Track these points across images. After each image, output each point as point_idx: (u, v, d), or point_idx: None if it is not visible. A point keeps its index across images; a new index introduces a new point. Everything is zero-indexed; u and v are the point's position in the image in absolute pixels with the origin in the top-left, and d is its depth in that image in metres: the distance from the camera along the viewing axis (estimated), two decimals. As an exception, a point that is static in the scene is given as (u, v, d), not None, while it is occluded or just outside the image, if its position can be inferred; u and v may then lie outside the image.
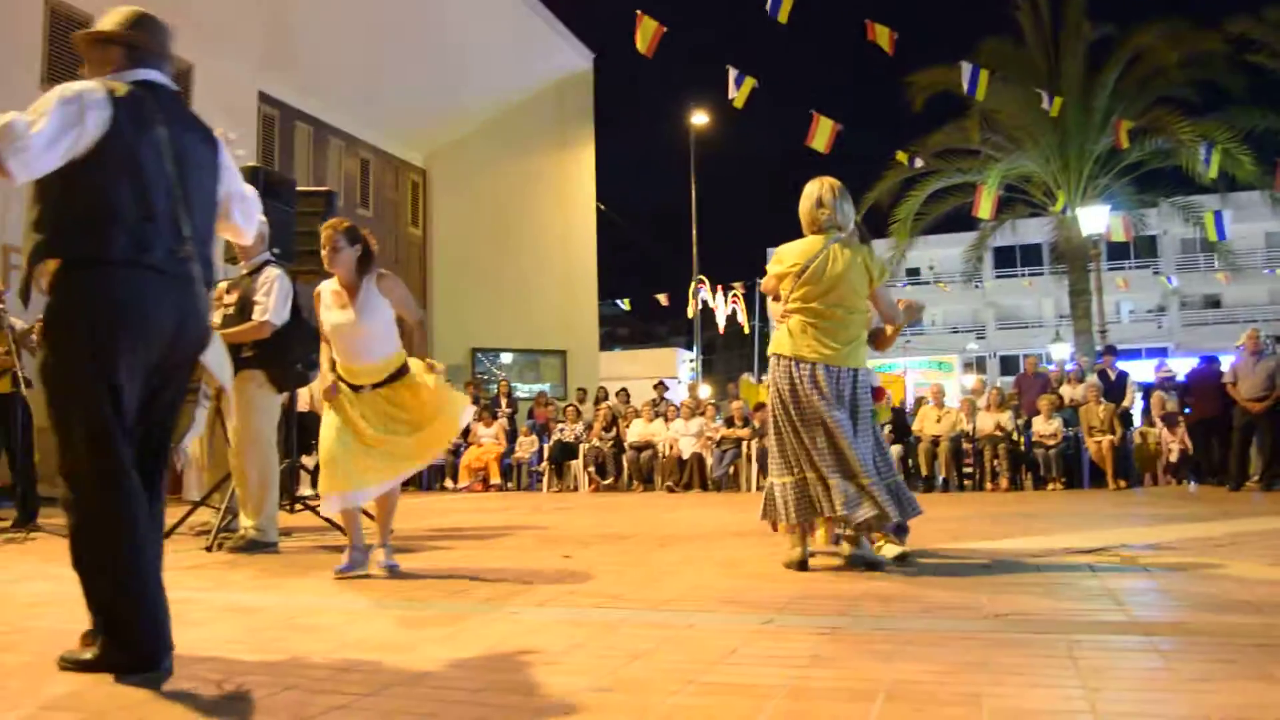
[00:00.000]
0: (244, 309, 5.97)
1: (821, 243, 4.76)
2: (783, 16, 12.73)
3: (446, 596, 4.15)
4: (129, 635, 2.67)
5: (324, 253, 4.80)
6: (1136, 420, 13.15)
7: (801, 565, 4.67)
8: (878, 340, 5.19)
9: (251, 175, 6.79)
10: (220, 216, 3.17)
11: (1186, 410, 12.32)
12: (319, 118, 16.60)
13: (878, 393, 5.03)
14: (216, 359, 3.07)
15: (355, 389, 4.77)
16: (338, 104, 16.61)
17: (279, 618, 3.70)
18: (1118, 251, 37.62)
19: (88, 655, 2.71)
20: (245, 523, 5.90)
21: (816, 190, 4.87)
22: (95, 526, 2.69)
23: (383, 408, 4.78)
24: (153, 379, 2.85)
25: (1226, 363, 11.77)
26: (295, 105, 15.99)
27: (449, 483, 14.59)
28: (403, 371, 4.82)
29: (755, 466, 13.22)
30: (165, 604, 2.75)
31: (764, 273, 5.07)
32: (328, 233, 4.79)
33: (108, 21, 3.01)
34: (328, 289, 4.90)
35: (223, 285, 6.24)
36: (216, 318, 6.09)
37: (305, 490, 9.38)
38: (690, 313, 26.30)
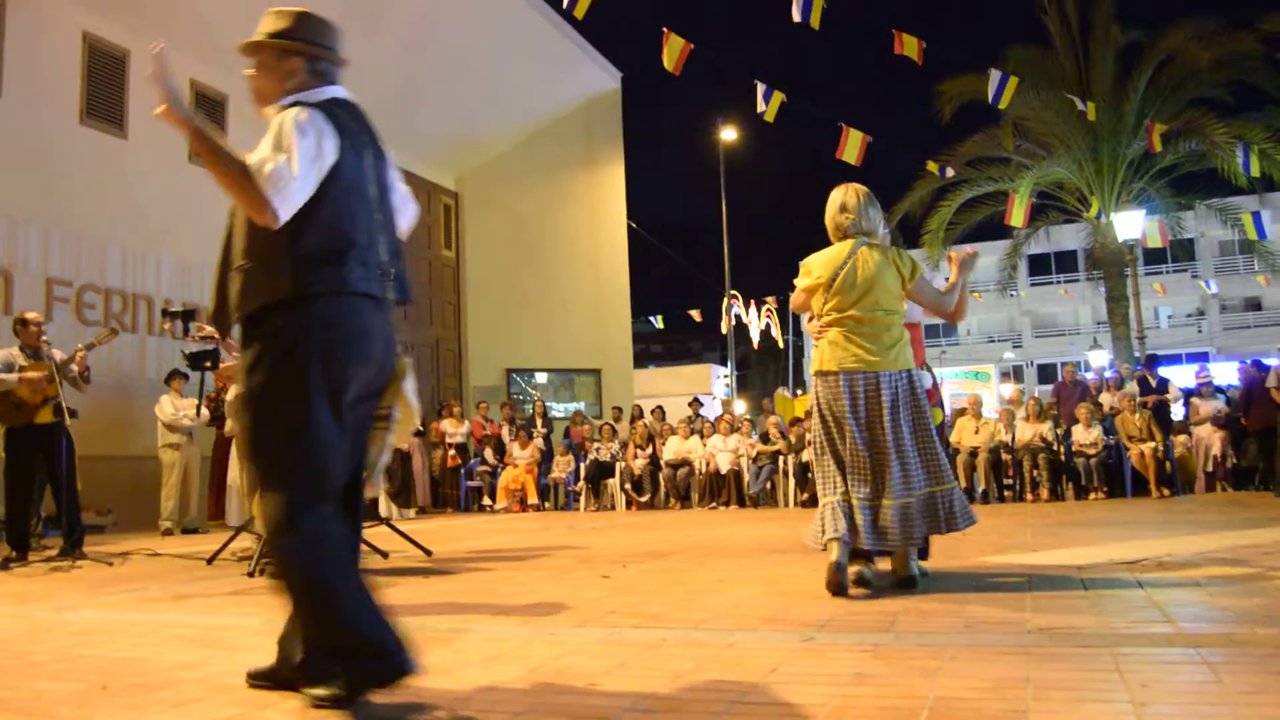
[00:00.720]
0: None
1: (849, 248, 4.60)
2: (814, 21, 12.73)
3: (486, 618, 4.16)
4: (375, 649, 2.55)
5: None
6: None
7: (854, 583, 4.42)
8: (943, 313, 4.89)
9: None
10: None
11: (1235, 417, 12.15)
12: (352, 144, 16.80)
13: (928, 394, 4.70)
14: (411, 384, 2.96)
15: None
16: (369, 130, 16.80)
17: (322, 643, 3.72)
18: (1155, 256, 37.26)
19: (336, 689, 2.54)
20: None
21: (840, 195, 4.73)
22: (313, 556, 2.59)
23: None
24: (356, 407, 2.77)
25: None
26: (328, 133, 16.21)
27: (487, 501, 14.65)
28: None
29: (792, 482, 13.17)
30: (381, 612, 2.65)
31: (796, 287, 4.98)
32: None
33: (278, 24, 2.85)
34: None
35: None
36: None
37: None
38: (724, 328, 26.31)
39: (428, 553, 7.03)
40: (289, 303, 2.62)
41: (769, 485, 13.54)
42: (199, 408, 10.90)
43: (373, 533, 7.47)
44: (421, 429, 13.84)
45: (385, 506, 12.73)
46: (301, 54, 2.83)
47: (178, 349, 9.98)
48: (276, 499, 2.60)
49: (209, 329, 6.86)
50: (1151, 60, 19.95)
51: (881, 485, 4.39)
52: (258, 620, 4.31)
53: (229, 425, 7.62)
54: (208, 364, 7.55)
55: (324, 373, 2.63)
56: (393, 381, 2.87)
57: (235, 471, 8.63)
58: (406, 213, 3.10)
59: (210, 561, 6.92)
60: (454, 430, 15.22)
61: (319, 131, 2.65)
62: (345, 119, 2.80)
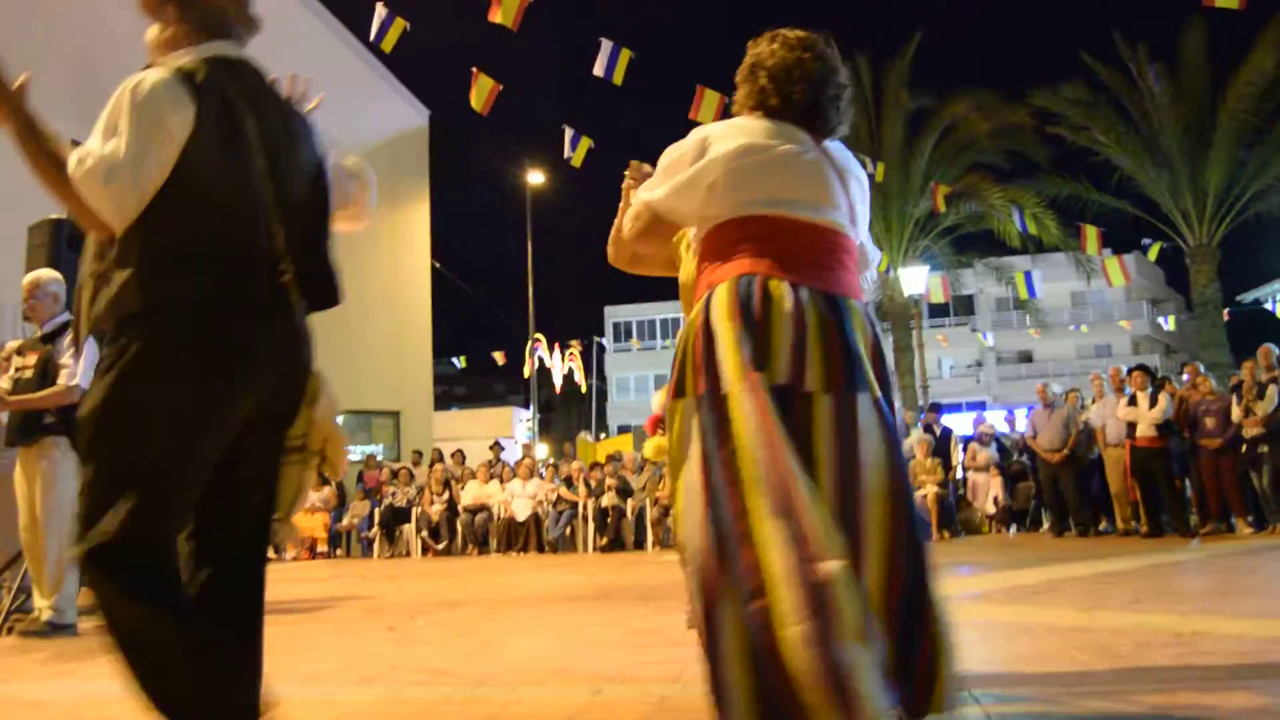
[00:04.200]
0: (45, 373, 5.56)
1: None
2: (618, 79, 12.87)
3: (258, 678, 3.89)
4: None
5: None
6: (959, 472, 13.67)
7: None
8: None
9: (53, 228, 6.41)
10: (334, 209, 2.58)
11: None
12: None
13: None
14: (328, 407, 2.46)
15: None
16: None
17: (68, 711, 3.39)
18: (938, 309, 39.51)
19: None
20: (40, 603, 5.46)
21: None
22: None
23: None
24: (243, 440, 2.26)
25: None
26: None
27: (272, 552, 13.98)
28: None
29: (592, 526, 13.12)
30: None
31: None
32: None
33: None
34: None
35: (12, 345, 5.89)
36: (5, 382, 5.68)
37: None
38: (526, 372, 26.18)
39: (202, 605, 6.60)
40: (138, 317, 2.14)
41: (568, 531, 13.46)
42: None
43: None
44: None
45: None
46: (173, 1, 2.31)
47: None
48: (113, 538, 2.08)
49: None
50: (937, 126, 21.24)
51: None
52: (-5, 686, 3.90)
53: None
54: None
55: (179, 397, 2.14)
56: (303, 406, 2.39)
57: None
58: (344, 190, 2.62)
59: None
60: (241, 473, 14.49)
61: (159, 104, 2.12)
62: (221, 79, 2.25)
